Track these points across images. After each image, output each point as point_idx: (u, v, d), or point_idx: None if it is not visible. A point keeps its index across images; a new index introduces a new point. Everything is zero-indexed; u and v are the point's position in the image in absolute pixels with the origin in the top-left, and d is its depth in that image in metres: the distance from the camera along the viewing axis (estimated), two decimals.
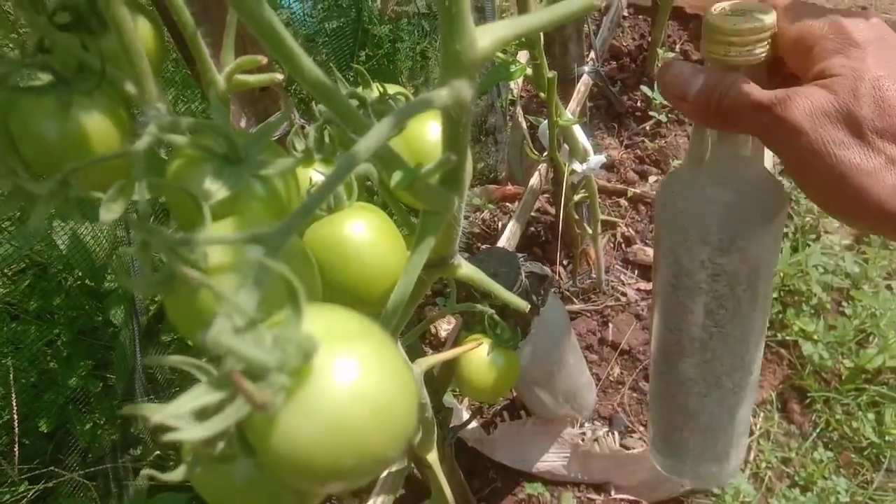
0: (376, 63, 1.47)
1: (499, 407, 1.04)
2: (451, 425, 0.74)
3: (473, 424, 1.00)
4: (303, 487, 0.18)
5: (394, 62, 1.47)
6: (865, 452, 1.42)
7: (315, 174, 0.39)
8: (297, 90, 1.30)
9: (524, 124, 1.39)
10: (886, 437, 1.42)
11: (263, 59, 0.36)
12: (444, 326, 1.16)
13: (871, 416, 1.45)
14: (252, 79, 0.37)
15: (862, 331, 1.53)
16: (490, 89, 1.83)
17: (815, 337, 1.51)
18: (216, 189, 0.26)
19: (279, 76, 0.37)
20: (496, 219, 1.40)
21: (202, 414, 0.19)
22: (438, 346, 1.17)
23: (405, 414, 0.18)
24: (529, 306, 0.69)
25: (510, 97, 1.76)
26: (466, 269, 0.43)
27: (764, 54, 0.35)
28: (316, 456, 0.17)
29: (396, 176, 0.30)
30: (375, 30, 1.47)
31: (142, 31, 0.35)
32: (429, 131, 0.40)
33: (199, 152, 0.27)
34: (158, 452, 1.21)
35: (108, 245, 1.03)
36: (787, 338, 1.54)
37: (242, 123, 0.42)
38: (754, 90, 0.34)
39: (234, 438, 0.21)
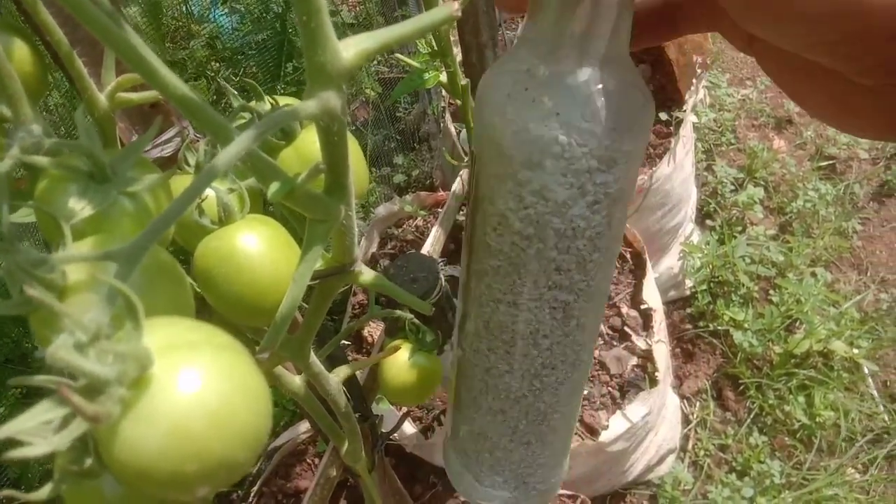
0: (303, 74, 1.47)
1: (437, 412, 1.05)
2: (380, 432, 0.75)
3: (411, 430, 1.00)
4: (155, 495, 0.19)
5: None
6: (798, 435, 1.47)
7: (207, 189, 0.39)
8: None
9: (453, 131, 1.40)
10: (817, 419, 1.47)
11: None
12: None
13: (801, 399, 1.51)
14: (136, 96, 0.38)
15: (789, 317, 1.59)
16: (422, 97, 1.85)
17: (745, 325, 1.57)
18: (80, 208, 0.26)
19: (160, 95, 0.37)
20: (429, 225, 1.42)
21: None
22: None
23: (249, 418, 0.19)
24: (449, 310, 0.70)
25: (442, 104, 1.77)
26: (368, 275, 0.44)
27: None
28: (157, 463, 0.18)
29: (273, 186, 0.30)
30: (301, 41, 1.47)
31: (17, 53, 0.35)
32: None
33: (65, 172, 0.27)
34: None
35: None
36: (719, 328, 1.59)
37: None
38: None
39: (95, 453, 0.21)
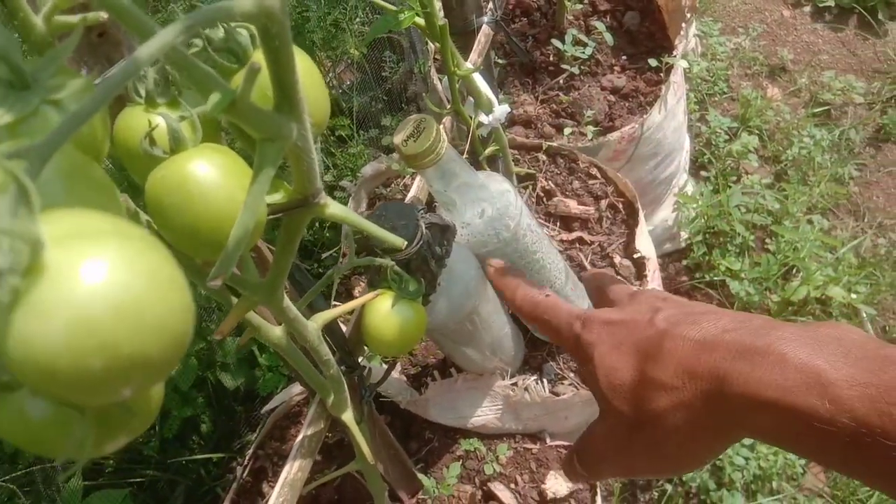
0: None
1: (430, 366, 1.04)
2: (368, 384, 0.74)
3: (404, 386, 0.99)
4: (59, 396, 0.17)
5: (302, 33, 1.44)
6: None
7: (157, 117, 0.37)
8: None
9: (440, 86, 1.37)
10: None
11: None
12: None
13: None
14: (76, 19, 0.35)
15: (785, 265, 1.57)
16: (408, 56, 1.81)
17: (742, 275, 1.55)
18: None
19: (104, 15, 0.35)
20: None
21: None
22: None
23: (161, 310, 0.17)
24: (432, 258, 0.68)
25: (429, 63, 1.74)
26: (335, 208, 0.42)
27: (443, 152, 0.59)
28: (56, 358, 0.16)
29: (213, 98, 0.28)
30: None
31: None
32: None
33: None
34: None
35: None
36: (715, 278, 1.57)
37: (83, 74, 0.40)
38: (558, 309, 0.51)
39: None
